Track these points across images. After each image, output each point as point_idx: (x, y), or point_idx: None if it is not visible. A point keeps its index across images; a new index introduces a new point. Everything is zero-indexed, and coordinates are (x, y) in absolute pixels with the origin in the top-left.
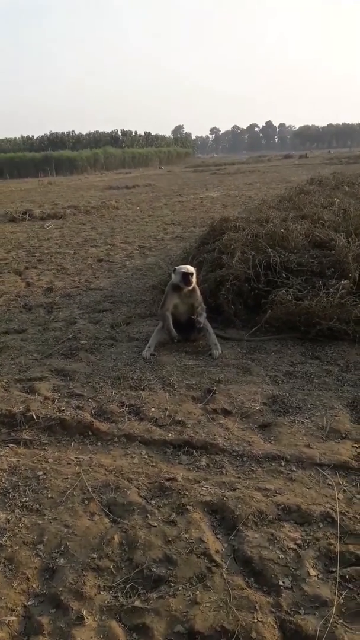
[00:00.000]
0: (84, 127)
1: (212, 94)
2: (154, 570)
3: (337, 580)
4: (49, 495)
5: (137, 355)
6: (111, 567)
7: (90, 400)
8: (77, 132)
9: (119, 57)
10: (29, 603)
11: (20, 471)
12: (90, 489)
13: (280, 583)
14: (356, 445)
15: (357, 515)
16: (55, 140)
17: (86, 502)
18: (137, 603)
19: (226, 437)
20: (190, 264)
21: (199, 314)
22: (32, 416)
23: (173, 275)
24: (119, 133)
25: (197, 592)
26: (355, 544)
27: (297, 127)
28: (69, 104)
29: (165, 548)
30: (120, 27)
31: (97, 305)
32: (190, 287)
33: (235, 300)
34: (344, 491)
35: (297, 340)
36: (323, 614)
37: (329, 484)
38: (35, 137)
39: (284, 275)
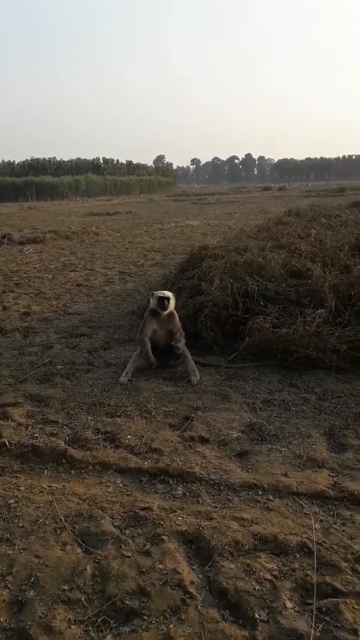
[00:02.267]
0: (65, 154)
1: (194, 126)
2: (127, 602)
3: (314, 612)
4: (20, 525)
5: (115, 381)
6: (83, 599)
7: (64, 427)
8: (58, 159)
9: (102, 86)
10: None
11: None
12: (62, 518)
13: (256, 616)
14: (333, 474)
15: (334, 546)
16: (36, 166)
17: (58, 531)
18: (108, 638)
19: (203, 465)
20: (170, 290)
21: (177, 340)
22: (5, 442)
23: (151, 300)
24: (101, 161)
25: (171, 626)
26: (332, 575)
27: (276, 160)
28: (51, 130)
29: (139, 579)
30: (105, 55)
31: (75, 330)
32: (167, 312)
33: (214, 327)
34: (321, 521)
35: (275, 368)
36: None
37: (305, 514)
38: (16, 162)
39: (261, 303)
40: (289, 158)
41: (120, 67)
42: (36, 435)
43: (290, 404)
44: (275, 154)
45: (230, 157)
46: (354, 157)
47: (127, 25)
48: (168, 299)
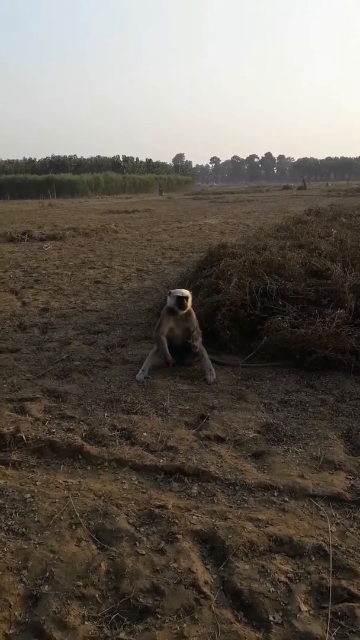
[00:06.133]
0: (86, 152)
1: (214, 125)
2: (141, 600)
3: (329, 616)
4: (36, 519)
5: (131, 378)
6: (97, 596)
7: (81, 422)
8: (79, 156)
9: (125, 84)
10: (11, 631)
11: (7, 493)
12: (78, 514)
13: (271, 618)
14: (350, 477)
15: (350, 549)
16: (57, 163)
17: (73, 527)
18: (122, 635)
19: (219, 464)
20: (188, 289)
21: (194, 339)
22: (22, 437)
23: (168, 299)
24: (121, 159)
25: (185, 625)
26: (348, 579)
27: (296, 159)
28: (73, 128)
29: (153, 577)
30: (130, 54)
31: (93, 326)
32: (185, 311)
33: (231, 326)
34: (337, 524)
35: (293, 368)
36: None
37: (322, 516)
38: (37, 160)
39: (280, 302)
40: (309, 157)
41: (145, 66)
42: (53, 430)
43: (307, 405)
44: (295, 153)
45: (250, 156)
46: None
47: (155, 24)
48: (187, 298)
